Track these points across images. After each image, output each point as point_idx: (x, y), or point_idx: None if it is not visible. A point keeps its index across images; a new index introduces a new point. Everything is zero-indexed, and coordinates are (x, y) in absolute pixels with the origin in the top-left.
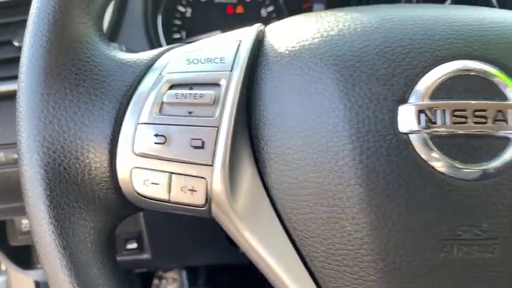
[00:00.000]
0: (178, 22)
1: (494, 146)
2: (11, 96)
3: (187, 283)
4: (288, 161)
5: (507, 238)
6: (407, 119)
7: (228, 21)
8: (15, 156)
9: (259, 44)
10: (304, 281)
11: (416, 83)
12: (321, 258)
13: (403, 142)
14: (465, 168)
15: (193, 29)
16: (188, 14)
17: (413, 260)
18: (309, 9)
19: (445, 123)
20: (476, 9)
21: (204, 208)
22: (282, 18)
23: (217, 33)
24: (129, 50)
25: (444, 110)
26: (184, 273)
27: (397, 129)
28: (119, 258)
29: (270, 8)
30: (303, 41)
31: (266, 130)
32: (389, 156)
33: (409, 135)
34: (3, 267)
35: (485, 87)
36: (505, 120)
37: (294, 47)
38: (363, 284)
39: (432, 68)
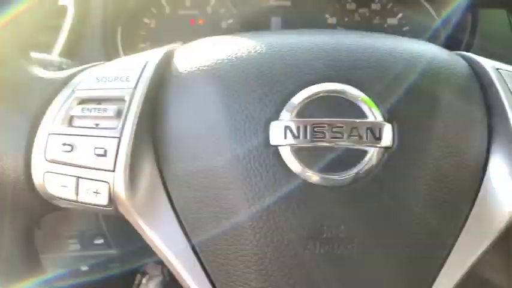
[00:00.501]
0: (143, 33)
1: (349, 157)
2: None
3: (169, 278)
4: (182, 165)
5: (363, 238)
6: (276, 133)
7: (190, 33)
8: None
9: (166, 64)
10: (193, 268)
11: (286, 103)
12: (208, 250)
13: (273, 153)
14: (325, 177)
15: (157, 40)
16: (153, 25)
17: (282, 255)
18: (267, 23)
19: (306, 138)
20: (354, 35)
21: (110, 208)
22: (242, 30)
23: (179, 43)
24: (85, 62)
25: (306, 126)
26: (166, 269)
27: (269, 142)
28: (90, 252)
29: (230, 21)
30: (199, 63)
31: (166, 138)
32: (262, 165)
33: (279, 147)
34: None
35: (347, 107)
36: (359, 136)
37: (191, 68)
38: (242, 275)
39: (301, 90)
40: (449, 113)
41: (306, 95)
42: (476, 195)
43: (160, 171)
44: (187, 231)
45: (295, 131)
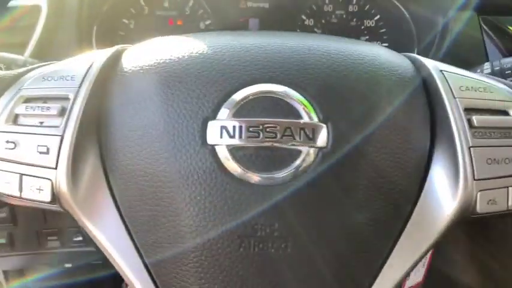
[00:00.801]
0: (122, 33)
1: (284, 157)
2: None
3: None
4: (124, 163)
5: (297, 237)
6: (213, 133)
7: (168, 33)
8: None
9: (113, 63)
10: (136, 267)
11: (224, 103)
12: (150, 248)
13: (210, 153)
14: (259, 176)
15: (136, 40)
16: (132, 26)
17: (217, 254)
18: (245, 24)
19: (241, 137)
20: (297, 37)
21: (54, 204)
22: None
23: None
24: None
25: (241, 126)
26: None
27: (206, 141)
28: (70, 250)
29: (208, 21)
30: (142, 63)
31: (110, 137)
32: (198, 165)
33: (215, 146)
34: None
35: (283, 108)
36: (292, 136)
37: (135, 67)
38: (181, 274)
39: (238, 90)
40: (389, 114)
41: (243, 96)
42: (418, 197)
43: (105, 170)
44: (130, 229)
45: (230, 131)
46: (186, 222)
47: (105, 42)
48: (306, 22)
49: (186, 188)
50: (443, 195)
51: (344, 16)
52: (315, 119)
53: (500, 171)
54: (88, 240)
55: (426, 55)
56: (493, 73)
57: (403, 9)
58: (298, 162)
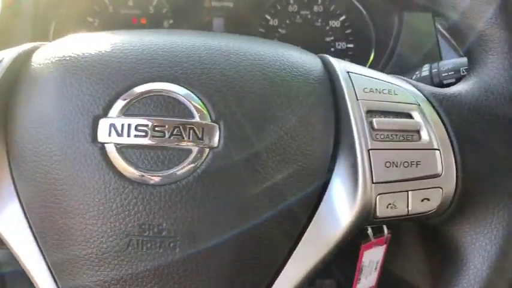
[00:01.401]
0: (85, 31)
1: (173, 156)
2: None
3: None
4: (25, 155)
5: (186, 237)
6: (103, 131)
7: None
8: None
9: (24, 59)
10: (37, 264)
11: (116, 101)
12: (49, 244)
13: (99, 151)
14: (147, 175)
15: None
16: (96, 24)
17: (107, 252)
18: (210, 23)
19: (129, 136)
20: (199, 36)
21: None
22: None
23: None
24: None
25: (129, 125)
26: None
27: (96, 139)
28: None
29: (171, 21)
30: (49, 59)
31: (14, 129)
32: (88, 162)
33: (105, 145)
34: None
35: (174, 107)
36: (181, 135)
37: (42, 63)
38: (77, 273)
39: (131, 89)
40: (288, 116)
41: (135, 94)
42: (319, 202)
43: (9, 163)
44: (31, 226)
45: (119, 129)
46: (77, 220)
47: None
48: (271, 22)
49: (77, 186)
50: (344, 199)
51: (309, 16)
52: (207, 119)
53: (399, 174)
54: None
55: (381, 57)
56: (431, 75)
57: (361, 9)
58: (187, 162)
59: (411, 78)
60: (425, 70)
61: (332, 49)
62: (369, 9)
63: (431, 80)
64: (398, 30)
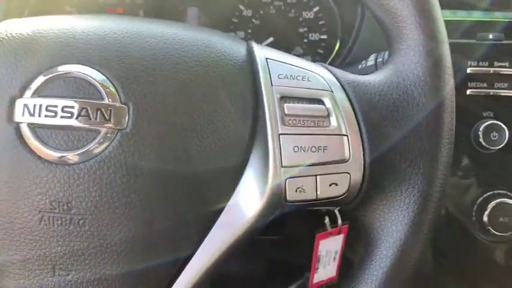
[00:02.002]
0: None
1: (82, 137)
2: None
3: None
4: None
5: (94, 215)
6: (18, 111)
7: None
8: None
9: None
10: None
11: (32, 82)
12: None
13: (14, 130)
14: (56, 154)
15: None
16: (74, 13)
17: (22, 227)
18: (184, 13)
19: (40, 116)
20: (124, 21)
21: None
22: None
23: None
24: None
25: (41, 105)
26: None
27: (12, 119)
28: None
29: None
30: None
31: None
32: (4, 141)
33: (19, 124)
34: None
35: (85, 88)
36: (88, 116)
37: None
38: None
39: (46, 70)
40: (203, 100)
41: (49, 76)
42: (234, 187)
43: None
44: None
45: (31, 109)
46: None
47: None
48: (244, 13)
49: None
50: (257, 183)
51: (282, 7)
52: (117, 101)
53: (307, 159)
54: None
55: (345, 47)
56: (376, 64)
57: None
58: (94, 142)
59: (359, 67)
60: (371, 60)
61: (305, 40)
62: (336, 0)
63: (375, 69)
64: (361, 22)
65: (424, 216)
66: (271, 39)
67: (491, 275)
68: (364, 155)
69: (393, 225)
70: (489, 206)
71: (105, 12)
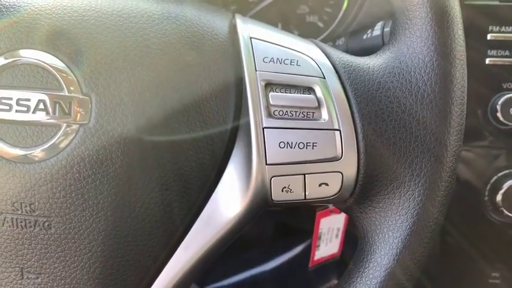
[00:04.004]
0: None
1: (41, 132)
2: None
3: None
4: None
5: (60, 217)
6: None
7: None
8: None
9: None
10: None
11: None
12: None
13: None
14: (15, 151)
15: None
16: None
17: None
18: None
19: None
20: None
21: None
22: None
23: None
24: None
25: None
26: None
27: None
28: None
29: None
30: None
31: None
32: None
33: None
34: None
35: (43, 78)
36: (45, 109)
37: None
38: None
39: (1, 55)
40: (178, 88)
41: (4, 62)
42: (215, 185)
43: None
44: None
45: None
46: None
47: None
48: None
49: None
50: (241, 180)
51: None
52: (78, 92)
53: (294, 156)
54: None
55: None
56: (382, 35)
57: None
58: (55, 138)
59: (364, 36)
60: (377, 29)
61: None
62: None
63: (382, 40)
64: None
65: (425, 224)
66: None
67: (501, 257)
68: (358, 152)
69: (389, 231)
70: (504, 185)
71: None
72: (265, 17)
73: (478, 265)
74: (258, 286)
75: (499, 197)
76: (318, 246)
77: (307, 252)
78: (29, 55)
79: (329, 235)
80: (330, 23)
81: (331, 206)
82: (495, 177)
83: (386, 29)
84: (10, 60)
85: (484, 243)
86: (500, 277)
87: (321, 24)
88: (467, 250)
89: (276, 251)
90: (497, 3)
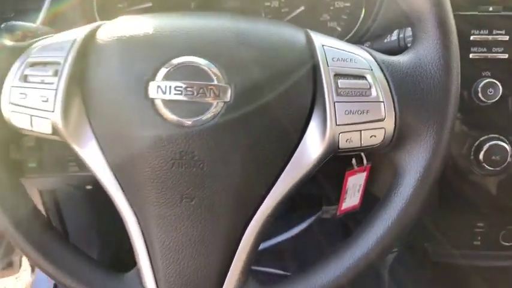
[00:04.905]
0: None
1: (200, 108)
2: None
3: None
4: (98, 106)
5: (210, 161)
6: (153, 90)
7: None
8: None
9: (91, 36)
10: (113, 186)
11: (160, 68)
12: (121, 170)
13: (151, 104)
14: (183, 120)
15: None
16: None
17: (160, 169)
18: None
19: (170, 94)
20: (218, 18)
21: (56, 136)
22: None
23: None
24: (66, 27)
25: (170, 86)
26: None
27: (148, 95)
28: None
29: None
30: (110, 35)
31: (90, 90)
32: (144, 111)
33: (154, 100)
34: None
35: (199, 73)
36: (204, 93)
37: (105, 39)
38: (140, 189)
39: (170, 60)
40: (281, 78)
41: (173, 64)
42: (301, 138)
43: (87, 112)
44: (105, 153)
45: (163, 89)
46: (147, 152)
47: (107, 14)
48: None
49: (136, 127)
50: (318, 136)
51: None
52: (223, 82)
53: (355, 119)
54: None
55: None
56: (398, 40)
57: None
58: (209, 112)
59: (385, 40)
60: (394, 35)
61: (331, 7)
62: None
63: (398, 44)
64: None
65: (437, 156)
66: (302, 8)
67: (486, 201)
68: (395, 116)
69: (415, 162)
70: (484, 146)
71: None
72: (295, 24)
73: (468, 209)
74: (278, 254)
75: (481, 156)
76: (345, 199)
77: (318, 223)
78: (190, 59)
79: (353, 190)
80: (348, 28)
81: (364, 164)
82: (478, 141)
83: (401, 35)
84: (178, 62)
85: (473, 192)
86: (483, 226)
87: (339, 29)
88: (460, 198)
89: (290, 223)
90: (476, 13)
